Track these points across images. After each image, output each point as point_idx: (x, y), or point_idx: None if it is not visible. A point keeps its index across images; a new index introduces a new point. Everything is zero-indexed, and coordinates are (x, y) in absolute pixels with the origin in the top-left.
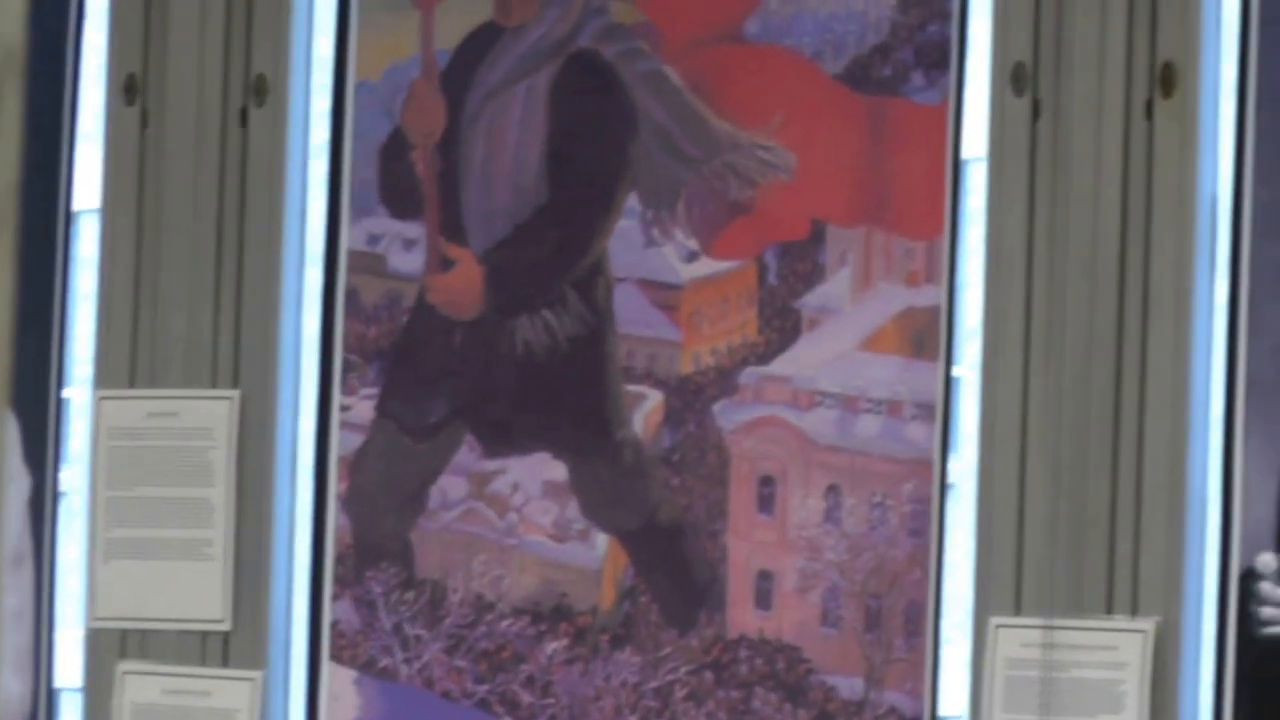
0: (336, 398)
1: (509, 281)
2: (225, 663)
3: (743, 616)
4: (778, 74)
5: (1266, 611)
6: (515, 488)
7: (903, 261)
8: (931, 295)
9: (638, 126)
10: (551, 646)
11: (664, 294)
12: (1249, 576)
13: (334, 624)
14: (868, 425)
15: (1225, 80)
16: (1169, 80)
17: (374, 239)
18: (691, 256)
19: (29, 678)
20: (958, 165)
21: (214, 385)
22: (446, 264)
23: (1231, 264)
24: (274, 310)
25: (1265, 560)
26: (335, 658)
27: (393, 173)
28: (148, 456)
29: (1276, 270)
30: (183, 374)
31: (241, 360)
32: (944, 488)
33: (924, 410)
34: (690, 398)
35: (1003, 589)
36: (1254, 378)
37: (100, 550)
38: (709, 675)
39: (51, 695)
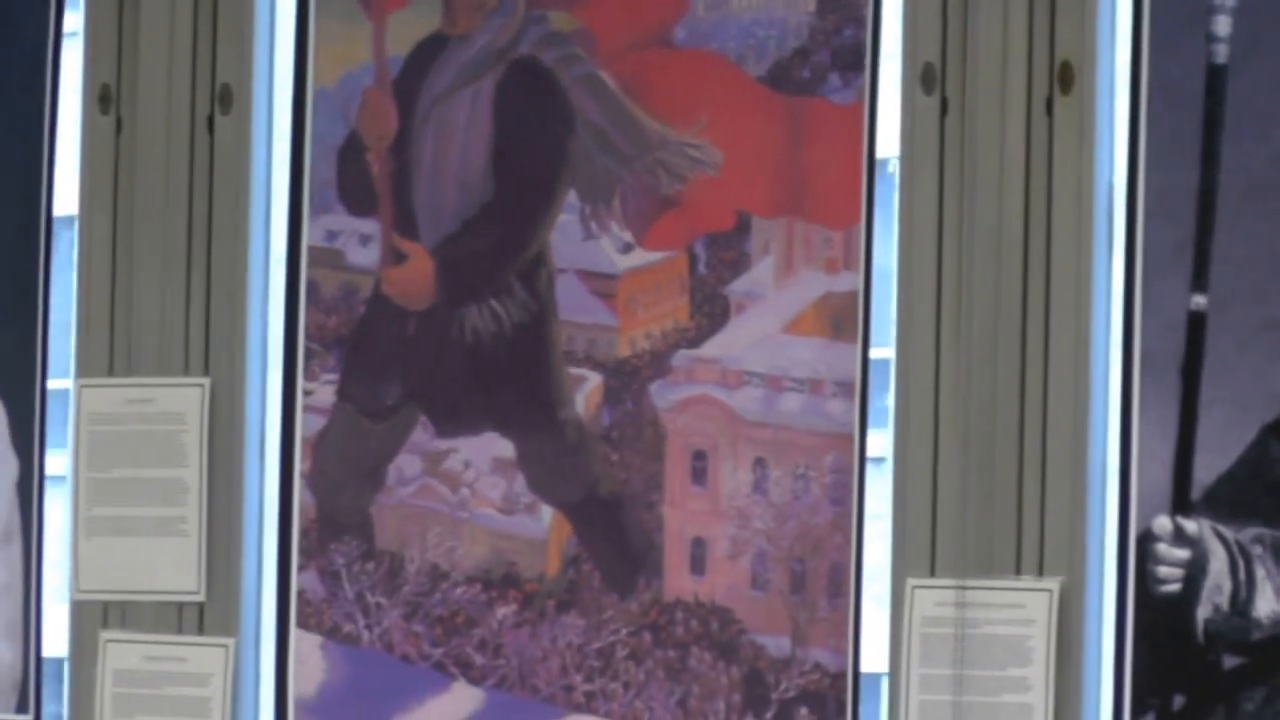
0: (300, 383)
1: (458, 273)
2: (200, 631)
3: (678, 581)
4: (704, 76)
5: (1162, 571)
6: (466, 465)
7: (822, 250)
8: (849, 281)
9: (575, 127)
10: (501, 611)
11: (601, 283)
12: (1146, 538)
13: (300, 593)
14: (791, 402)
15: (1119, 76)
16: (1067, 78)
17: (332, 235)
18: (626, 248)
19: (18, 646)
20: (872, 159)
21: (186, 373)
22: (400, 258)
23: (1127, 247)
24: (241, 303)
25: (1161, 523)
26: (302, 625)
27: (349, 173)
28: (126, 440)
29: (1168, 251)
30: (157, 363)
31: (211, 349)
32: (863, 459)
33: (843, 388)
34: (627, 379)
35: (918, 552)
36: (1149, 352)
37: (83, 528)
38: (647, 636)
39: (39, 663)
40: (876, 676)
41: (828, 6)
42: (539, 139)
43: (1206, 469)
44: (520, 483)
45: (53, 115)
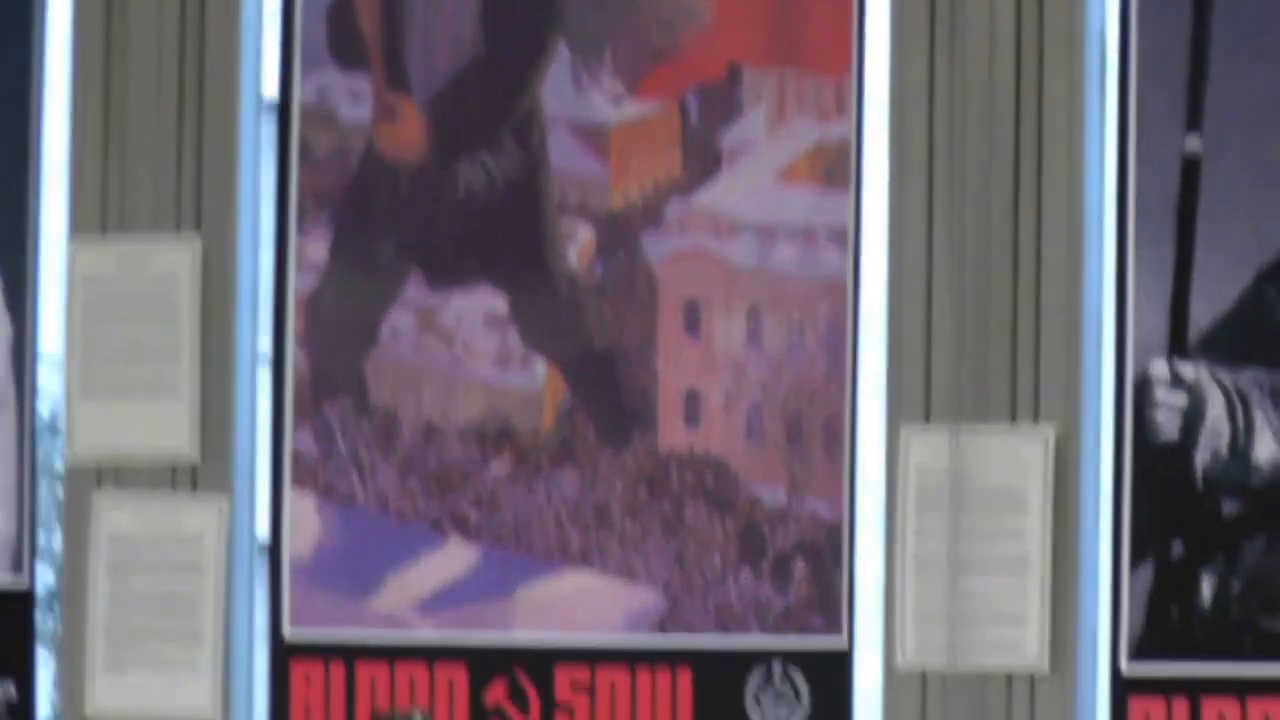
0: (293, 242)
1: (450, 129)
2: (194, 490)
3: (673, 434)
4: None
5: (1160, 416)
6: (460, 320)
7: (814, 99)
8: (842, 129)
9: None
10: (496, 467)
11: (594, 135)
12: (1143, 383)
13: (295, 452)
14: (785, 252)
15: None
16: None
17: (324, 92)
18: (618, 100)
19: (13, 512)
20: (863, 6)
21: (178, 230)
22: (392, 114)
23: (1120, 91)
24: (233, 160)
25: (1158, 367)
26: (297, 484)
27: (340, 30)
28: (118, 300)
29: (1162, 96)
30: (149, 222)
31: (204, 208)
32: (857, 308)
33: (836, 236)
34: (620, 231)
35: (913, 400)
36: (1143, 196)
37: (76, 390)
38: (643, 490)
39: (34, 527)
40: (873, 527)
41: None
42: None
43: (1203, 313)
44: (514, 337)
45: None
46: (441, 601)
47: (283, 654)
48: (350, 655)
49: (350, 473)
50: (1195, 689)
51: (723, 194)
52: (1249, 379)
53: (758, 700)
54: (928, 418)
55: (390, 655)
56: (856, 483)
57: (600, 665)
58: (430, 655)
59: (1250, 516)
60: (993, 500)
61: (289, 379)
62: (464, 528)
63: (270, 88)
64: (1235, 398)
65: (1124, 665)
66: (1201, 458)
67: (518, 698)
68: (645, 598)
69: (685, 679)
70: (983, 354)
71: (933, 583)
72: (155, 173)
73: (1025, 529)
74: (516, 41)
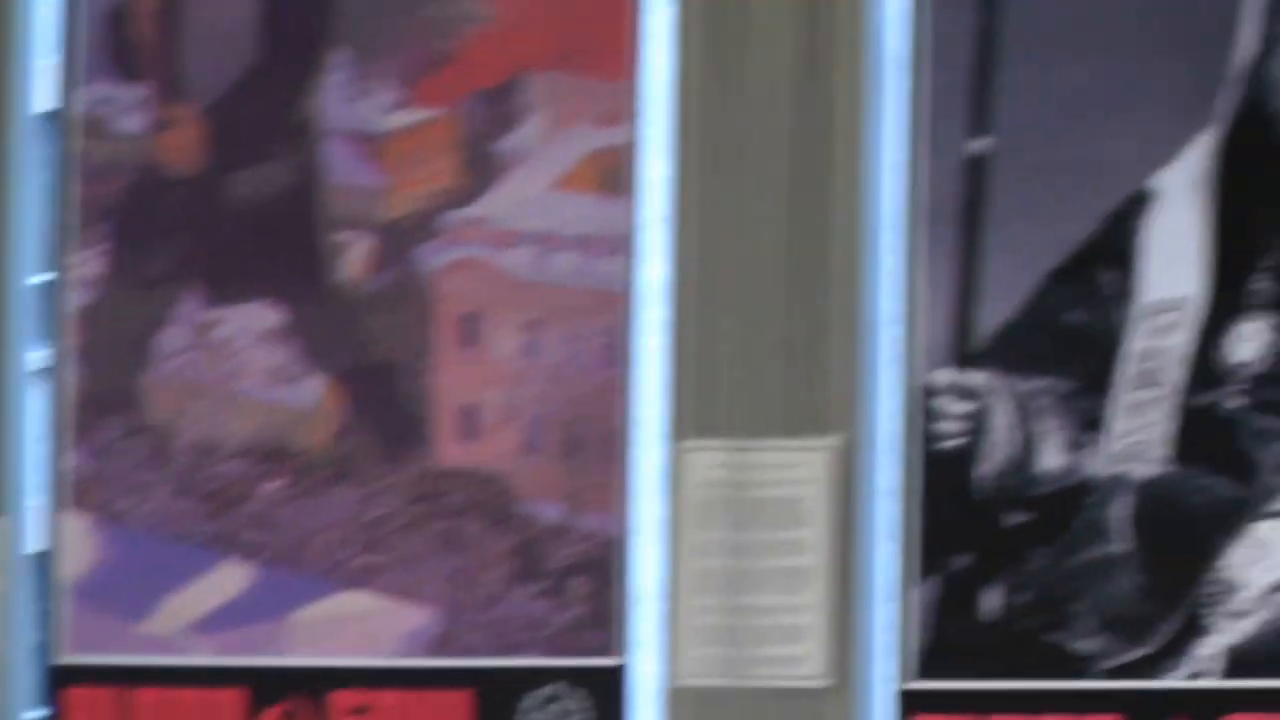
0: (68, 256)
1: (227, 139)
2: None
3: (451, 449)
4: None
5: (944, 426)
6: (235, 335)
7: (595, 104)
8: (622, 135)
9: None
10: (272, 485)
11: (370, 144)
12: (928, 393)
13: (70, 471)
14: (564, 262)
15: None
16: None
17: (100, 103)
18: (396, 107)
19: None
20: (643, 10)
21: None
22: (169, 124)
23: (912, 90)
24: (7, 176)
25: (943, 376)
26: (72, 503)
27: (119, 39)
28: None
29: (949, 94)
30: None
31: None
32: (637, 319)
33: (616, 245)
34: (397, 242)
35: (692, 414)
36: (930, 196)
37: None
38: (421, 507)
39: None
40: (653, 542)
41: None
42: None
43: (991, 319)
44: (290, 352)
45: None
46: (218, 623)
47: (58, 679)
48: (126, 679)
49: (125, 492)
50: (982, 705)
51: (500, 203)
52: (1036, 386)
53: None
54: (708, 431)
55: (167, 679)
56: (635, 498)
57: (378, 687)
58: (208, 678)
59: (1038, 528)
60: (774, 514)
61: (64, 396)
62: (239, 547)
63: (47, 100)
64: (1023, 406)
65: (908, 681)
66: (989, 468)
67: None
68: (422, 617)
69: (464, 700)
70: (764, 366)
71: (712, 599)
72: None
73: (807, 543)
74: (293, 49)
